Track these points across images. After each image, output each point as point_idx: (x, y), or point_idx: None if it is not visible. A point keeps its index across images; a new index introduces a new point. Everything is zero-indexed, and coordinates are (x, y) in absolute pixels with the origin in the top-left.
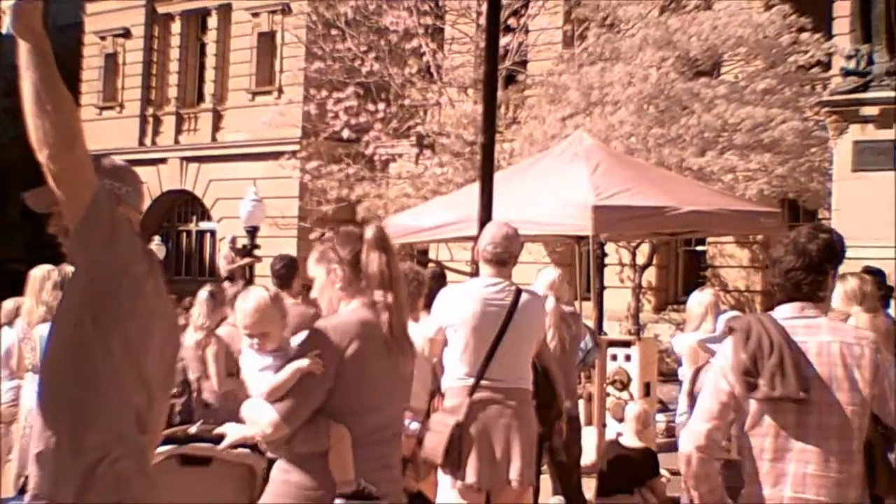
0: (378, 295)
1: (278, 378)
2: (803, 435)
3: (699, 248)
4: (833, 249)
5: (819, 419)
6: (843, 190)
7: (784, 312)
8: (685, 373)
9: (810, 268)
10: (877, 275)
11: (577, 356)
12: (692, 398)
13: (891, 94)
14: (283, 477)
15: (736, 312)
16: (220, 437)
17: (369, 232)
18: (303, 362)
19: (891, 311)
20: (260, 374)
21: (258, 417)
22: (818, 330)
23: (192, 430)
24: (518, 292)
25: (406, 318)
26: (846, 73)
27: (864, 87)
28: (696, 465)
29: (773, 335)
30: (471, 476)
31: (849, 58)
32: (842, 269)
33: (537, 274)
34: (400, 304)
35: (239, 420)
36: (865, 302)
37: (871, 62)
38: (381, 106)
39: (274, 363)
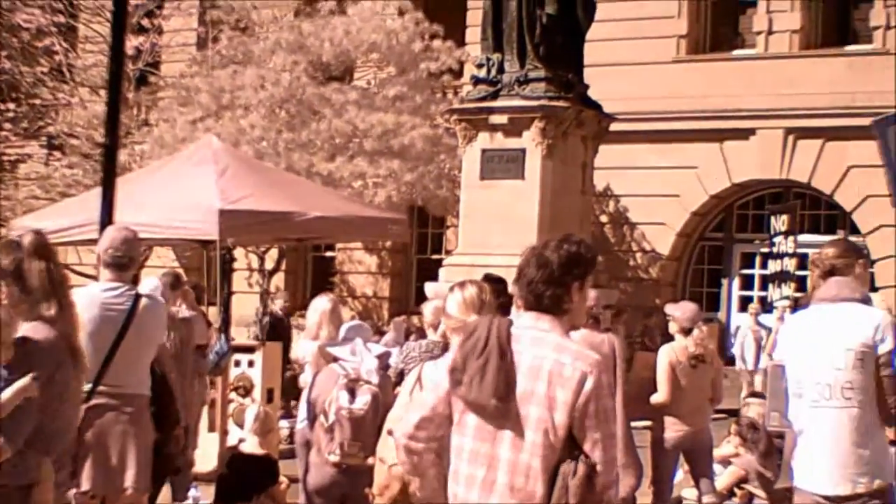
0: (44, 308)
1: (2, 398)
2: (498, 443)
3: (328, 253)
4: (578, 262)
5: (514, 431)
6: (471, 197)
7: (523, 321)
8: (307, 379)
9: (550, 280)
10: (497, 283)
11: (194, 362)
12: (311, 404)
13: (520, 102)
14: None
15: (358, 321)
16: None
17: (27, 239)
18: (25, 382)
19: None
20: None
21: None
22: (541, 344)
23: None
24: (137, 297)
25: (79, 329)
26: (477, 81)
27: (494, 96)
28: (403, 454)
29: (490, 339)
30: (85, 483)
31: (480, 66)
32: (463, 275)
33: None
34: (73, 314)
35: None
36: (484, 310)
37: (501, 70)
38: (12, 105)
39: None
